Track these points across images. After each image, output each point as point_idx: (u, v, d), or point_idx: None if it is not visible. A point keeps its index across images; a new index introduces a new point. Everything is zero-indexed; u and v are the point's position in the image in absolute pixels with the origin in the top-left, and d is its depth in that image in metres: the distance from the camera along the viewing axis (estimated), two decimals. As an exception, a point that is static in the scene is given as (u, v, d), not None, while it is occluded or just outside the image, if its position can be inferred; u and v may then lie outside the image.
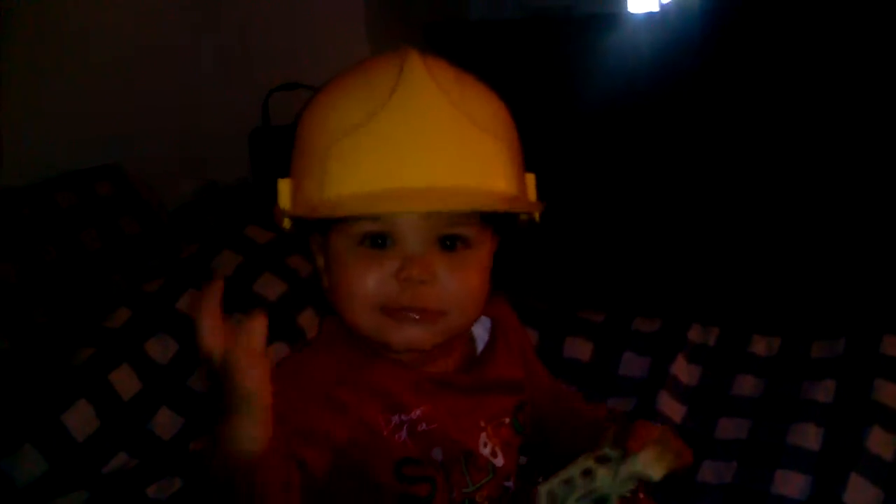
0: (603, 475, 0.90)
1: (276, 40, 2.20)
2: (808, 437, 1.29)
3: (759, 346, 1.51)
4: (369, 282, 0.85)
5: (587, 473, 0.90)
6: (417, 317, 0.86)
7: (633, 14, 2.38)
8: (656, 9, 2.35)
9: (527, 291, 1.43)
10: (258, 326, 0.70)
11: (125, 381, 1.42)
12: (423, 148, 0.83)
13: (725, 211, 2.25)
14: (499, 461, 0.96)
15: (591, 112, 2.37)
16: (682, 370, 1.49)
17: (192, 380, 1.49)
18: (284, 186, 0.90)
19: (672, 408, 1.41)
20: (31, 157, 1.77)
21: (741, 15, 2.16)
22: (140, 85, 2.03)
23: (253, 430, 0.71)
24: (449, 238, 0.86)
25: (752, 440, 1.33)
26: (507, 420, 0.99)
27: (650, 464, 0.89)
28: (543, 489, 0.92)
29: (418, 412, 0.89)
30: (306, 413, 0.84)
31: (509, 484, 0.98)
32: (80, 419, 1.34)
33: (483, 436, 0.95)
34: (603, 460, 0.91)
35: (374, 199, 0.82)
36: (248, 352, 0.69)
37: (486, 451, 0.94)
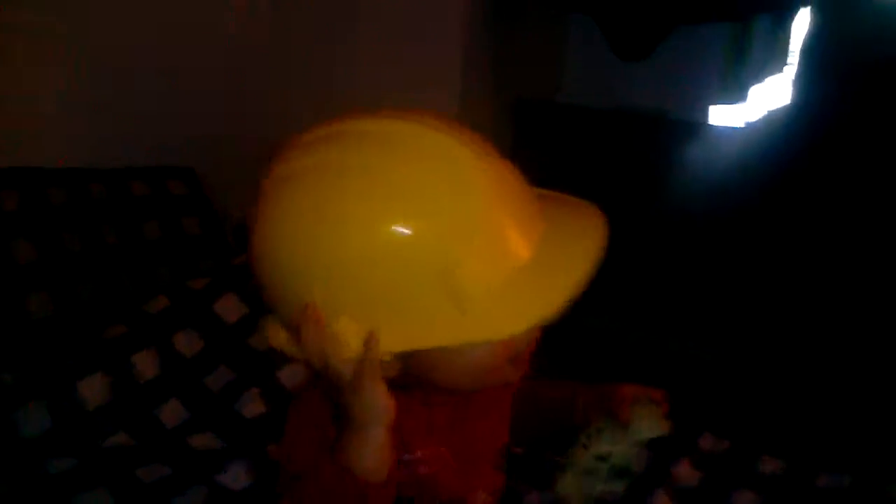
0: (617, 451, 0.95)
1: (371, 92, 2.25)
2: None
3: (767, 467, 1.49)
4: None
5: (602, 459, 0.95)
6: None
7: (718, 126, 2.40)
8: (741, 124, 2.37)
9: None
10: (374, 343, 0.74)
11: (146, 365, 1.48)
12: None
13: (767, 332, 2.22)
14: None
15: (663, 213, 2.38)
16: (685, 473, 1.48)
17: (209, 379, 1.54)
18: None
19: (664, 505, 1.40)
20: (112, 145, 1.86)
21: (824, 141, 2.16)
22: (226, 92, 2.10)
23: (384, 446, 0.77)
24: None
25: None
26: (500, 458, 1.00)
27: (650, 424, 0.95)
28: (569, 487, 0.96)
29: (420, 454, 0.89)
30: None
31: None
32: (94, 389, 1.41)
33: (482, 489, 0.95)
34: (600, 434, 0.96)
35: None
36: (374, 368, 0.74)
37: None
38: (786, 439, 1.58)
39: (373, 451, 0.77)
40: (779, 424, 1.73)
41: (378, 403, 0.76)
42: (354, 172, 0.74)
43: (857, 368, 2.07)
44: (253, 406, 1.50)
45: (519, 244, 0.76)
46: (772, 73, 2.38)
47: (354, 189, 0.73)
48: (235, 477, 1.36)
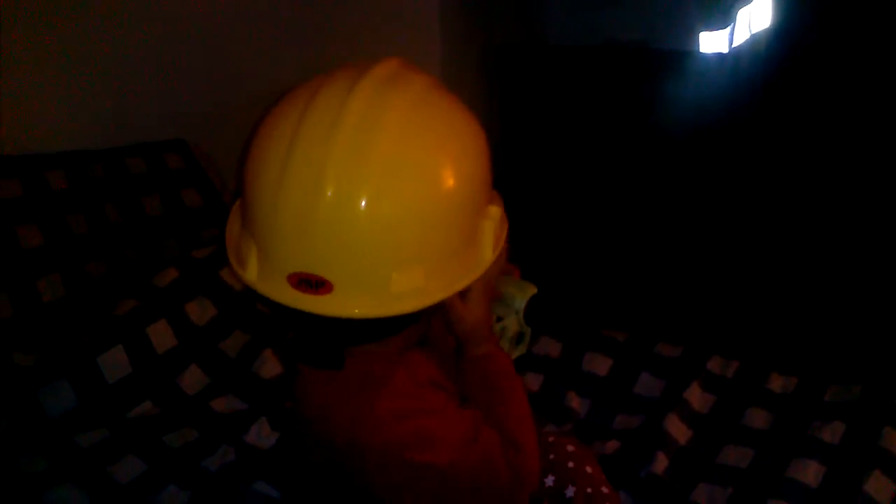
0: (508, 321, 1.09)
1: (353, 46, 2.25)
2: (808, 473, 1.29)
3: (776, 384, 1.53)
4: None
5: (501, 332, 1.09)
6: None
7: (703, 53, 2.40)
8: (726, 50, 2.37)
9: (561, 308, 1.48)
10: None
11: (161, 336, 1.51)
12: None
13: (770, 252, 2.25)
14: None
15: (652, 141, 2.40)
16: (696, 396, 1.51)
17: (224, 343, 1.57)
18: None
19: (678, 429, 1.43)
20: (105, 124, 1.87)
21: (804, 61, 2.17)
22: (218, 67, 2.10)
23: None
24: None
25: (752, 469, 1.34)
26: None
27: (520, 288, 1.09)
28: None
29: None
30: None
31: None
32: (114, 363, 1.43)
33: None
34: None
35: None
36: None
37: None
38: (795, 355, 1.61)
39: None
40: (787, 340, 1.76)
41: None
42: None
43: (859, 279, 2.10)
44: (269, 367, 1.54)
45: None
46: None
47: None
48: (260, 435, 1.40)
